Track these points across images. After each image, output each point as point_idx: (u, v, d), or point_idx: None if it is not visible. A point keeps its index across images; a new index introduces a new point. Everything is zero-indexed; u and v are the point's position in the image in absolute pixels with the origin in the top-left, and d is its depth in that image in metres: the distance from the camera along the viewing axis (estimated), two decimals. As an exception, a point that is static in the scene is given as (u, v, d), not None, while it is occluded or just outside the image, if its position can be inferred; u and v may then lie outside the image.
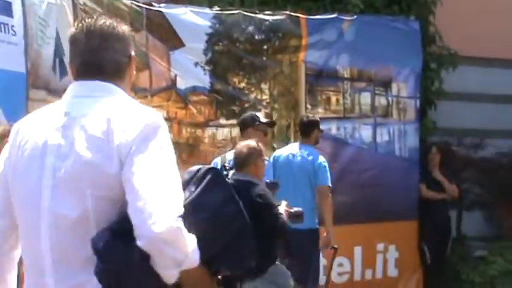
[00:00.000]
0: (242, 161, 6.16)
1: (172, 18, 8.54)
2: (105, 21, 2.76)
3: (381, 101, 9.90)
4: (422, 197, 9.87)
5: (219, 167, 7.22)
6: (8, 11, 6.87)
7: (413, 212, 9.75)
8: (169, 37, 8.57)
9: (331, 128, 9.45)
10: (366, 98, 9.83)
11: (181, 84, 8.65)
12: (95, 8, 7.96)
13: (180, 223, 2.42)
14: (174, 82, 8.60)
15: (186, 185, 2.69)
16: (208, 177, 2.71)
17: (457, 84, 10.89)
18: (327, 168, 7.92)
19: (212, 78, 8.83)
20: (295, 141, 8.79)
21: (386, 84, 9.93)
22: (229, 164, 7.00)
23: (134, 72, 2.86)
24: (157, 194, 2.42)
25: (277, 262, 6.05)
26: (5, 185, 2.76)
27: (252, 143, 6.27)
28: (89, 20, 2.77)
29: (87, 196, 2.54)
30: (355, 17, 9.66)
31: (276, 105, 9.26)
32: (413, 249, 9.81)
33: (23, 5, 6.95)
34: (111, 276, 2.43)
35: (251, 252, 2.66)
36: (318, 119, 8.42)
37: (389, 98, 9.95)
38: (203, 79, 8.77)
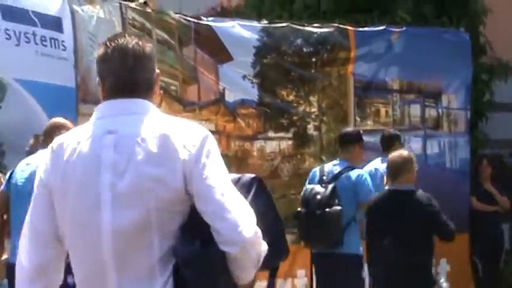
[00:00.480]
0: (397, 170, 6.57)
1: (220, 32, 8.56)
2: (135, 40, 2.84)
3: (431, 112, 9.82)
4: (473, 210, 9.76)
5: (317, 177, 7.31)
6: (58, 26, 6.96)
7: (465, 225, 9.62)
8: (217, 51, 8.59)
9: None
10: (415, 109, 9.76)
11: (230, 97, 8.66)
12: (144, 23, 8.02)
13: (258, 229, 2.65)
14: (222, 95, 8.62)
15: None
16: (255, 184, 2.88)
17: (509, 95, 10.75)
18: None
19: (260, 91, 8.83)
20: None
21: (436, 96, 9.85)
22: (327, 176, 7.11)
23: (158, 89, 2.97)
24: (238, 204, 2.65)
25: None
26: (50, 203, 2.80)
27: (404, 152, 6.79)
28: (120, 39, 2.83)
29: (151, 209, 2.64)
30: (404, 28, 9.61)
31: (325, 118, 9.22)
32: (465, 262, 9.69)
33: (73, 20, 7.03)
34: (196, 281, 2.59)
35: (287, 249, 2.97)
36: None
37: (440, 110, 9.87)
38: (251, 92, 8.78)
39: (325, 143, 9.14)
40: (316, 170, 7.69)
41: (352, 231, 7.21)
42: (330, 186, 7.21)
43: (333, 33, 9.21)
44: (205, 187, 2.65)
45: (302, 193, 7.46)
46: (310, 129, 9.12)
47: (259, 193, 2.88)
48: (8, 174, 6.04)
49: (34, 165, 5.52)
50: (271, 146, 8.91)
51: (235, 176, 2.89)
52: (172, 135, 2.72)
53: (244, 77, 8.74)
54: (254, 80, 8.80)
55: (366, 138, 9.23)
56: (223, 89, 8.63)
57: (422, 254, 6.40)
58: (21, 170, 5.83)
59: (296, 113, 9.07)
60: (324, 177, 7.38)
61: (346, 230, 7.19)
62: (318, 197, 7.23)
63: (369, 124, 9.41)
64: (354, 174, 7.33)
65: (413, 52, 9.48)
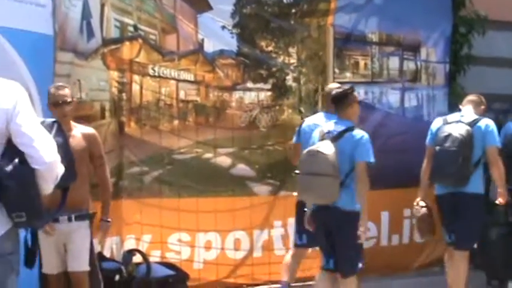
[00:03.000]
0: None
1: (200, -20, 8.49)
2: None
3: (410, 65, 9.83)
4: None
5: (317, 138, 7.00)
6: (36, -28, 6.85)
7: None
8: (196, 0, 8.53)
9: (359, 93, 9.36)
10: (394, 62, 9.76)
11: (209, 47, 8.62)
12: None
13: (57, 155, 3.73)
14: (201, 45, 8.58)
15: None
16: (56, 126, 3.97)
17: (487, 49, 10.76)
18: None
19: (239, 42, 8.80)
20: (322, 106, 8.75)
21: (415, 49, 9.84)
22: (328, 134, 6.87)
23: None
24: (42, 137, 3.68)
25: None
26: None
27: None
28: None
29: None
30: (385, -20, 9.56)
31: (304, 70, 9.20)
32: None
33: (51, -34, 6.92)
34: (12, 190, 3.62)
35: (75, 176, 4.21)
36: None
37: (418, 63, 9.87)
38: (231, 42, 8.74)
39: (303, 94, 9.13)
40: (312, 129, 7.31)
41: None
42: None
43: (314, -17, 9.16)
44: (18, 126, 3.66)
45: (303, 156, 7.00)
46: (289, 80, 9.11)
47: (58, 132, 3.95)
48: None
49: None
50: (249, 97, 8.89)
51: (40, 119, 3.89)
52: None
53: (223, 27, 8.69)
54: (233, 31, 8.75)
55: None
56: (202, 39, 8.58)
57: None
58: None
59: (275, 64, 9.04)
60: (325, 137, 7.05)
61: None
62: None
63: (348, 76, 9.41)
64: (357, 134, 7.04)
65: (394, 4, 9.45)
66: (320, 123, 7.33)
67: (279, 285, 7.97)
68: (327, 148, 6.74)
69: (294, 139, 7.87)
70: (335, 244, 6.90)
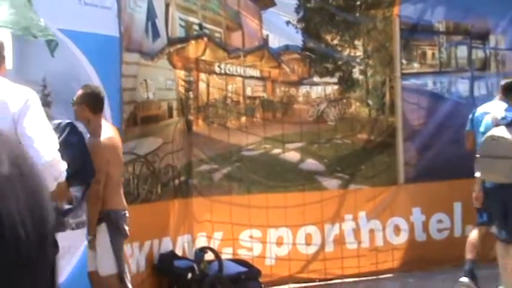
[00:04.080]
0: None
1: (263, -23, 8.50)
2: None
3: (478, 53, 9.68)
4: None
5: (490, 124, 7.28)
6: (100, -25, 6.92)
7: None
8: (260, -4, 8.55)
9: (427, 83, 9.28)
10: (462, 51, 9.62)
11: (274, 43, 8.62)
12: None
13: (58, 154, 4.08)
14: (266, 41, 8.58)
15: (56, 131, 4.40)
16: (69, 127, 4.40)
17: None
18: None
19: (304, 37, 8.78)
20: (390, 97, 8.70)
21: (483, 37, 9.68)
22: (502, 120, 7.21)
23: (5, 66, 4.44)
24: (42, 138, 4.00)
25: None
26: None
27: None
28: None
29: None
30: (451, -32, 9.43)
31: (371, 62, 9.14)
32: None
33: (115, -31, 6.99)
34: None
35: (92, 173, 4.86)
36: None
37: (487, 51, 9.72)
38: (295, 37, 8.72)
39: (371, 87, 9.07)
40: (484, 116, 7.55)
41: None
42: None
43: (378, -25, 9.09)
44: (23, 129, 3.99)
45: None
46: (356, 73, 9.05)
47: (71, 133, 4.38)
48: None
49: None
50: (316, 91, 8.87)
51: (57, 121, 4.31)
52: (6, 99, 4.09)
53: (288, 22, 8.67)
54: (298, 25, 8.73)
55: (412, 80, 9.16)
56: (267, 35, 8.58)
57: None
58: None
59: (341, 58, 9.00)
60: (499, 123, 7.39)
61: None
62: None
63: (415, 67, 9.31)
64: None
65: (460, -8, 9.33)
66: (490, 110, 7.51)
67: (351, 279, 7.93)
68: (506, 133, 7.09)
69: (468, 127, 7.90)
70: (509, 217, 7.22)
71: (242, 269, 7.62)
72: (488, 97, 9.60)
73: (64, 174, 4.19)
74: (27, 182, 0.85)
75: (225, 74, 8.40)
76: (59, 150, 4.18)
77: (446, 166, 8.81)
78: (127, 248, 6.41)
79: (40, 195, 0.87)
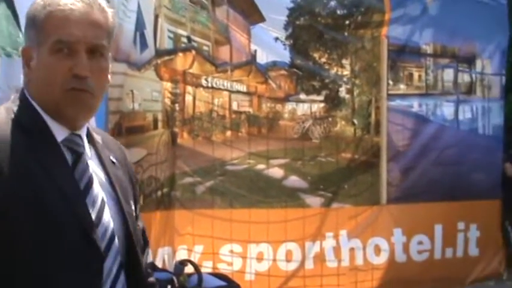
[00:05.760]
0: None
1: (253, -8, 8.51)
2: None
3: (465, 77, 9.72)
4: (506, 176, 9.69)
5: None
6: (90, -16, 6.92)
7: (496, 191, 9.56)
8: (250, 11, 8.55)
9: (413, 105, 9.32)
10: (449, 74, 9.66)
11: (262, 58, 8.64)
12: (176, -18, 7.98)
13: None
14: (254, 57, 8.60)
15: None
16: None
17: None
18: None
19: (292, 53, 8.79)
20: (376, 117, 8.72)
21: (470, 61, 9.73)
22: None
23: None
24: None
25: None
26: None
27: None
28: None
29: None
30: (440, -9, 9.49)
31: (357, 81, 9.16)
32: (496, 228, 9.64)
33: (105, -22, 6.99)
34: None
35: None
36: None
37: (473, 75, 9.77)
38: (283, 54, 8.74)
39: (357, 106, 9.09)
40: None
41: None
42: None
43: (368, -5, 9.13)
44: None
45: None
46: (342, 92, 9.08)
47: None
48: None
49: None
50: (302, 108, 8.88)
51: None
52: None
53: (276, 38, 8.70)
54: (286, 42, 8.75)
55: (398, 101, 9.20)
56: (255, 51, 8.60)
57: None
58: None
59: (328, 76, 9.02)
60: None
61: None
62: None
63: (402, 88, 9.35)
64: None
65: (449, 15, 9.36)
66: None
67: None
68: None
69: None
70: None
71: (221, 283, 7.58)
72: (473, 121, 9.66)
73: None
74: None
75: (212, 87, 8.40)
76: None
77: (429, 188, 8.84)
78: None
79: None
